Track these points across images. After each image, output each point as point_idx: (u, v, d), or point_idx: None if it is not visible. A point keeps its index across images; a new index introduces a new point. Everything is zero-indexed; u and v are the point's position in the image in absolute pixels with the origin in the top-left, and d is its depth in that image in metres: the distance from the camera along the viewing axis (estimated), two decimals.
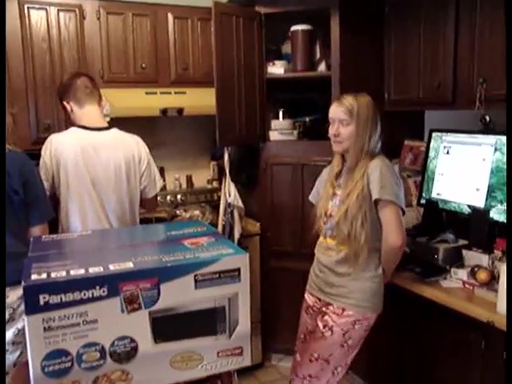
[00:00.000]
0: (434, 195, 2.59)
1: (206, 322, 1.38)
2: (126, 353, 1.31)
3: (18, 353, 2.00)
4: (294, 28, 2.95)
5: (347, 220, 1.92)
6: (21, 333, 1.98)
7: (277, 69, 3.04)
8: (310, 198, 2.27)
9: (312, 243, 2.20)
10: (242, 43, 2.86)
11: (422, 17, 2.57)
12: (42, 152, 2.27)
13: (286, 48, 3.15)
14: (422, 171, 2.71)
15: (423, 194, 2.66)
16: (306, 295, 2.17)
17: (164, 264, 1.31)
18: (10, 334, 1.97)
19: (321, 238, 2.10)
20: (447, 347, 2.11)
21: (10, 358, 2.00)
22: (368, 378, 2.10)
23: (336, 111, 1.97)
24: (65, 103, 2.37)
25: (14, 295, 1.94)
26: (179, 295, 1.32)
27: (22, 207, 1.96)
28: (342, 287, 1.98)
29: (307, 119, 3.22)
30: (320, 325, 2.01)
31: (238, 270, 1.37)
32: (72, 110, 2.35)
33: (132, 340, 1.31)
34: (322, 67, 3.00)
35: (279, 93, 3.09)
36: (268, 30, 3.00)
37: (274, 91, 3.06)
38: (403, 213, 1.94)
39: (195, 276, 1.32)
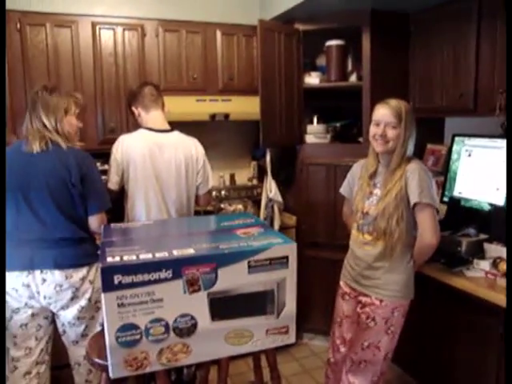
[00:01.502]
0: (455, 193, 2.51)
1: (257, 303, 1.37)
2: (187, 328, 1.31)
3: (83, 326, 2.03)
4: (328, 43, 2.91)
5: (384, 217, 1.85)
6: (84, 309, 2.00)
7: (312, 79, 3.01)
8: (341, 190, 2.21)
9: (345, 236, 2.16)
10: (283, 56, 2.84)
11: (445, 32, 2.51)
12: (114, 150, 2.27)
13: (321, 61, 3.11)
14: (444, 172, 2.63)
15: (446, 193, 2.58)
16: (342, 283, 2.12)
17: (221, 251, 1.30)
18: (74, 311, 1.99)
19: (356, 233, 2.02)
20: (469, 330, 2.05)
21: (78, 330, 2.04)
22: (393, 359, 2.06)
23: (384, 114, 1.86)
24: (133, 108, 2.39)
25: (76, 276, 1.96)
26: (234, 279, 1.31)
27: (79, 198, 1.95)
28: (377, 279, 1.92)
29: (338, 124, 3.18)
30: (363, 316, 1.96)
31: (287, 257, 1.35)
32: (139, 115, 2.37)
33: (192, 317, 1.31)
34: (353, 78, 2.95)
35: (314, 100, 3.05)
36: (305, 44, 2.97)
37: (309, 99, 3.02)
38: (437, 212, 1.87)
39: (249, 262, 1.31)
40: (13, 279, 1.92)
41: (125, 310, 1.23)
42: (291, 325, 1.43)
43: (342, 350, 2.10)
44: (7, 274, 1.93)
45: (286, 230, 3.00)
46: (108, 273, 1.20)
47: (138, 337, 1.26)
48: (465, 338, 2.08)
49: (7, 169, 1.91)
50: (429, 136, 2.91)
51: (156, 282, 1.24)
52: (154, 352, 1.29)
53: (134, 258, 1.25)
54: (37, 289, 1.92)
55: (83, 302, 1.99)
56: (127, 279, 1.21)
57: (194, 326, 1.31)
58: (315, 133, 3.04)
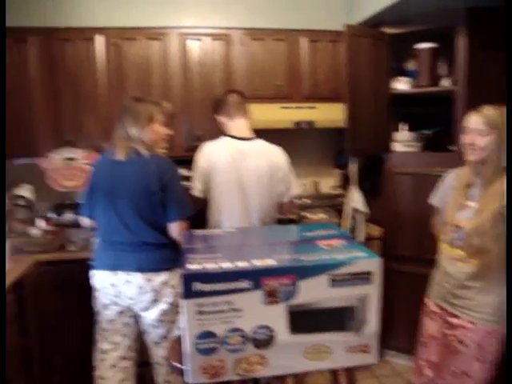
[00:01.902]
0: None
1: (338, 318, 1.31)
2: (265, 340, 1.29)
3: (164, 328, 2.09)
4: (419, 46, 2.78)
5: (479, 234, 1.70)
6: (164, 313, 2.05)
7: (401, 84, 2.89)
8: (432, 200, 2.07)
9: (434, 249, 2.02)
10: (370, 61, 2.76)
11: None
12: (198, 157, 2.31)
13: (411, 65, 2.97)
14: None
15: None
16: (429, 301, 1.98)
17: (302, 263, 1.26)
18: (156, 313, 2.06)
19: (447, 248, 1.88)
20: None
21: (158, 331, 2.10)
22: None
23: (475, 121, 1.74)
24: (218, 116, 2.41)
25: (157, 280, 2.01)
26: (314, 292, 1.27)
27: (160, 206, 2.00)
28: (469, 300, 1.77)
29: (429, 132, 3.01)
30: (452, 339, 1.82)
31: (371, 272, 1.28)
32: (224, 122, 2.39)
33: (270, 329, 1.28)
34: (445, 82, 2.78)
35: (403, 107, 2.92)
36: (393, 48, 2.86)
37: (398, 105, 2.90)
38: None
39: (330, 276, 1.26)
40: (101, 277, 2.04)
41: (204, 318, 1.23)
42: (373, 344, 1.35)
43: (428, 373, 1.96)
44: (98, 271, 2.05)
45: (371, 241, 2.90)
46: (188, 280, 1.21)
47: (215, 345, 1.26)
48: None
49: (97, 174, 2.05)
50: None
51: (235, 291, 1.23)
52: (230, 361, 1.28)
53: (215, 266, 1.25)
54: (121, 289, 2.01)
55: (164, 306, 2.05)
56: (207, 287, 1.21)
57: (272, 338, 1.29)
58: (403, 141, 2.91)
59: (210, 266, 1.25)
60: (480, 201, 1.75)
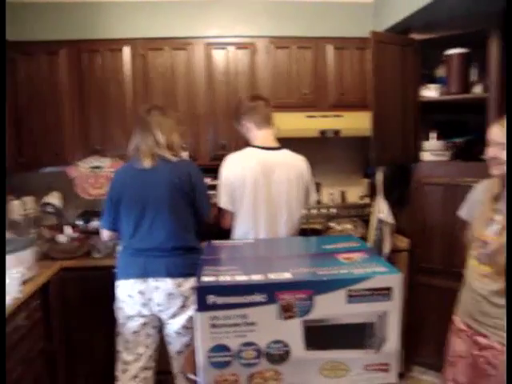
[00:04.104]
0: None
1: (355, 335, 1.27)
2: (280, 355, 1.26)
3: (189, 336, 2.09)
4: (449, 52, 2.70)
5: (505, 252, 1.60)
6: (191, 320, 2.05)
7: (430, 92, 2.81)
8: (460, 213, 1.98)
9: (464, 263, 1.94)
10: (397, 69, 2.71)
11: None
12: (224, 169, 2.20)
13: (440, 72, 2.89)
14: None
15: None
16: (456, 318, 1.89)
17: (319, 277, 1.23)
18: (182, 320, 2.08)
19: (473, 262, 1.79)
20: None
21: (183, 340, 2.11)
22: None
23: (496, 133, 1.65)
24: (244, 122, 2.27)
25: (186, 285, 2.04)
26: (331, 308, 1.23)
27: (191, 206, 2.10)
28: (498, 319, 1.66)
29: (460, 140, 2.92)
30: (481, 361, 1.72)
31: (390, 289, 1.24)
32: (250, 130, 2.27)
33: (285, 344, 1.25)
34: (477, 89, 2.69)
35: (432, 115, 2.85)
36: (423, 55, 2.80)
37: (427, 113, 2.83)
38: None
39: (348, 291, 1.22)
40: (129, 286, 2.05)
41: (217, 331, 1.22)
42: (393, 362, 1.31)
43: None
44: (124, 281, 2.07)
45: (398, 253, 2.82)
46: (202, 292, 1.20)
47: (228, 359, 1.24)
48: None
49: (121, 185, 2.09)
50: None
51: (250, 305, 1.21)
52: (244, 376, 1.26)
53: (229, 279, 1.24)
54: (150, 295, 2.03)
55: (191, 312, 2.05)
56: (221, 300, 1.20)
57: (287, 353, 1.26)
58: (433, 150, 2.82)
59: (225, 278, 1.24)
60: (505, 215, 1.67)
